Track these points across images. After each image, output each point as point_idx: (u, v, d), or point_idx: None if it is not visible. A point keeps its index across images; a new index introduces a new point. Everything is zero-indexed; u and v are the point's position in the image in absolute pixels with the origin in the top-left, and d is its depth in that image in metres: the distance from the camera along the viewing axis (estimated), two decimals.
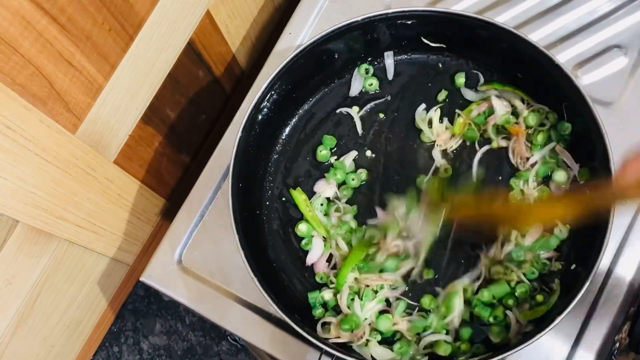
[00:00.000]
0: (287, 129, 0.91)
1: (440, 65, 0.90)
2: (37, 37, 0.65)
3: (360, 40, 0.87)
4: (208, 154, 0.91)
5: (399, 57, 0.91)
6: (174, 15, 0.83)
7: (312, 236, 0.86)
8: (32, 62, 0.66)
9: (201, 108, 1.04)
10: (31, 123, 0.69)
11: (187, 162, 1.08)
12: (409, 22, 0.85)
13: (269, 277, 0.81)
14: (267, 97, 0.84)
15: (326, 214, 0.86)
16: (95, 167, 0.83)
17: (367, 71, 0.90)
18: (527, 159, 0.84)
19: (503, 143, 0.86)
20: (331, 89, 0.91)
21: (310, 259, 0.85)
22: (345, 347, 0.79)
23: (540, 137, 0.84)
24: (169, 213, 1.08)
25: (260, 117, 0.84)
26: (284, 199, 0.88)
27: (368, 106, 0.90)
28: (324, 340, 0.77)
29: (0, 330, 0.84)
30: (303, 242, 0.85)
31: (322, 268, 0.85)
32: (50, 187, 0.77)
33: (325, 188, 0.87)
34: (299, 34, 0.95)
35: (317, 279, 0.84)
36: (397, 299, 0.82)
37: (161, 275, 0.87)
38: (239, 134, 0.81)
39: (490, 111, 0.86)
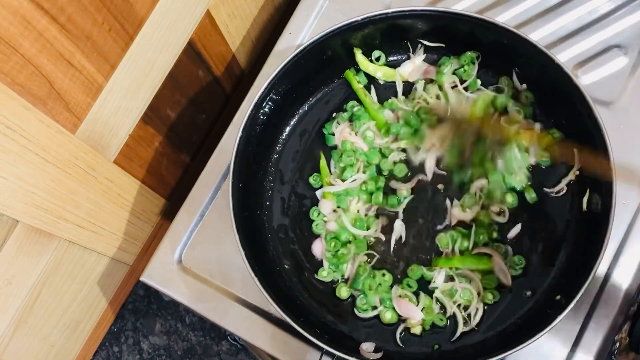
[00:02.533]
0: (287, 129, 0.91)
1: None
2: (37, 37, 0.65)
3: (360, 40, 0.87)
4: (208, 154, 0.91)
5: (399, 57, 0.91)
6: (174, 15, 0.83)
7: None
8: (32, 62, 0.66)
9: (201, 108, 1.04)
10: (31, 123, 0.69)
11: (187, 162, 1.08)
12: (409, 22, 0.85)
13: (269, 277, 0.81)
14: (267, 97, 0.84)
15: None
16: (95, 167, 0.83)
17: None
18: None
19: None
20: (331, 89, 0.91)
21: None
22: (347, 348, 0.79)
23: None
24: (169, 213, 1.08)
25: (260, 117, 0.84)
26: (284, 198, 0.88)
27: None
28: (325, 341, 0.77)
29: (0, 330, 0.84)
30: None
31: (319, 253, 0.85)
32: (50, 187, 0.77)
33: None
34: (299, 34, 0.95)
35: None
36: None
37: (161, 275, 0.87)
38: (239, 134, 0.81)
39: None
